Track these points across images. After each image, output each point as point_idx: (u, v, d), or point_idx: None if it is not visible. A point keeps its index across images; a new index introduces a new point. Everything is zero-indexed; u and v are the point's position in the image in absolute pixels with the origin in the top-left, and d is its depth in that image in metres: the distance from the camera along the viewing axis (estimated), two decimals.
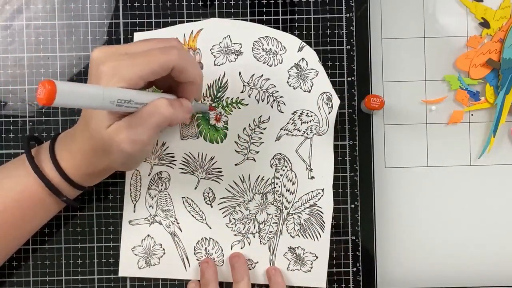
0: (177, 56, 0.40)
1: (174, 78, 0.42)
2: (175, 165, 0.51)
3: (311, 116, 0.51)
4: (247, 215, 0.51)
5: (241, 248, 0.51)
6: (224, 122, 0.51)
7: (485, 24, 0.52)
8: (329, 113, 0.51)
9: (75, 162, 0.44)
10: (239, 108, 0.51)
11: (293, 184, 0.51)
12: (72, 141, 0.44)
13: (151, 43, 0.42)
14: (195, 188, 0.51)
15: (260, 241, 0.51)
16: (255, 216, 0.51)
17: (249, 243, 0.51)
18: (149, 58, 0.40)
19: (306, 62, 0.51)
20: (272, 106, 0.51)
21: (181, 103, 0.43)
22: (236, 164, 0.51)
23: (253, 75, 0.51)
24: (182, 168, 0.51)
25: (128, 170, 0.51)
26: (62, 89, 0.34)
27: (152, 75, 0.40)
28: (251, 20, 0.52)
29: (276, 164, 0.51)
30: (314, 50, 0.51)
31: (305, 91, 0.51)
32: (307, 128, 0.51)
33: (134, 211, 0.51)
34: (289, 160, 0.51)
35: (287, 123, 0.51)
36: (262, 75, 0.51)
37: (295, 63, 0.51)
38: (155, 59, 0.40)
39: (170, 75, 0.41)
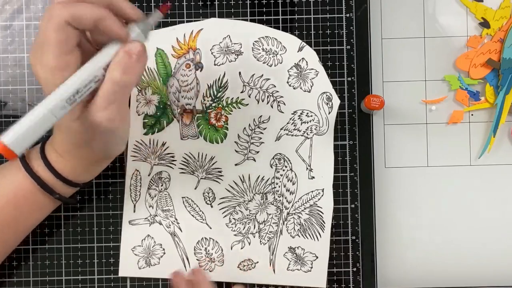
0: None
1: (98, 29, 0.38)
2: (175, 165, 0.51)
3: (311, 116, 0.51)
4: (247, 215, 0.51)
5: (241, 248, 0.51)
6: (223, 122, 0.51)
7: (485, 24, 0.52)
8: (329, 113, 0.51)
9: (63, 160, 0.44)
10: (239, 108, 0.51)
11: (293, 184, 0.51)
12: (55, 142, 0.44)
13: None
14: (195, 188, 0.51)
15: (260, 241, 0.51)
16: (255, 216, 0.51)
17: (249, 243, 0.51)
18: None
19: (306, 62, 0.51)
20: (272, 106, 0.51)
21: (128, 52, 0.38)
22: (236, 164, 0.51)
23: (253, 75, 0.51)
24: (182, 168, 0.51)
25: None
26: (11, 141, 0.34)
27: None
28: (251, 20, 0.52)
29: (276, 164, 0.51)
30: (314, 50, 0.51)
31: (305, 91, 0.51)
32: (307, 128, 0.51)
33: (134, 211, 0.51)
34: (289, 160, 0.51)
35: (287, 123, 0.51)
36: (262, 75, 0.51)
37: (295, 63, 0.51)
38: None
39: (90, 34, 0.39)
